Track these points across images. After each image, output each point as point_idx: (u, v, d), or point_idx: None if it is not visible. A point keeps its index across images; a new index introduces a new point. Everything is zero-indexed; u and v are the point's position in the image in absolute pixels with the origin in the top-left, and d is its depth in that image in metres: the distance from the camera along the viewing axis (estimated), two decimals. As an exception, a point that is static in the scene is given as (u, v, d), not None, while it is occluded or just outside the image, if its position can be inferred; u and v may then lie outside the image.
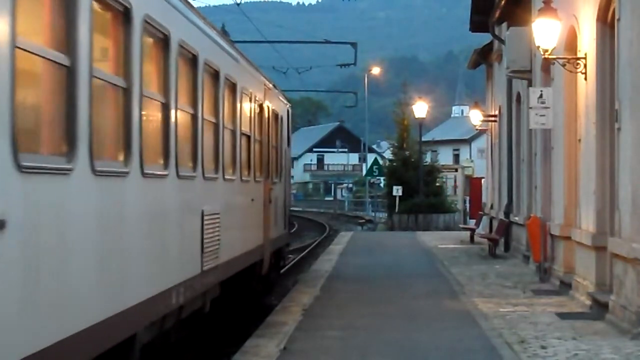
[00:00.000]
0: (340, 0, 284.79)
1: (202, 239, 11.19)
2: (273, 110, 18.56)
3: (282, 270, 23.02)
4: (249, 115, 15.39)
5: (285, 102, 21.46)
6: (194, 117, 10.96)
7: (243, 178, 14.45)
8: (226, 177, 12.89)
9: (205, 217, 11.32)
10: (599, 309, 13.50)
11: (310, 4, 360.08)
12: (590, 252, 14.35)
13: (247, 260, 14.90)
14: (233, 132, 13.73)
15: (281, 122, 20.22)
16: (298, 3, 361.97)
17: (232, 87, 13.73)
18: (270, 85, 18.43)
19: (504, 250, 25.58)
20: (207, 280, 11.55)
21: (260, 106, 16.75)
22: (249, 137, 15.25)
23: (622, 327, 12.05)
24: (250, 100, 15.54)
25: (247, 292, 16.39)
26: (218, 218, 12.06)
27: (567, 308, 14.59)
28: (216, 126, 12.40)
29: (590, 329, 12.44)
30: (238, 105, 14.13)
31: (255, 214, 15.90)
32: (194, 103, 11.01)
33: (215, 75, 12.27)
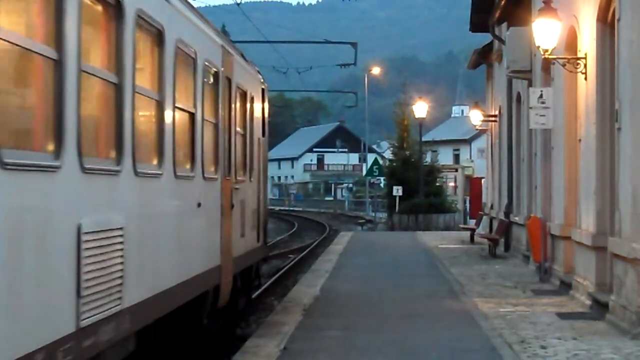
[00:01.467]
0: (340, 0, 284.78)
1: (78, 273, 6.83)
2: (239, 86, 13.92)
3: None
4: (192, 84, 10.72)
5: (260, 79, 16.59)
6: (58, 64, 6.47)
7: (179, 173, 9.80)
8: (140, 170, 8.30)
9: (86, 237, 6.94)
10: (599, 309, 13.50)
11: (310, 4, 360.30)
12: (590, 252, 14.35)
13: (190, 291, 10.45)
14: (159, 104, 9.09)
15: (252, 103, 15.31)
16: (298, 3, 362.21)
17: (157, 36, 9.10)
18: (235, 53, 13.76)
19: (504, 250, 25.58)
20: (95, 339, 7.20)
21: (216, 76, 12.13)
22: (192, 115, 10.65)
23: (622, 327, 12.06)
24: (195, 63, 10.77)
25: (194, 334, 11.75)
26: (120, 236, 7.71)
27: (567, 308, 14.59)
28: (118, 88, 7.76)
29: (590, 329, 12.44)
30: (168, 64, 9.39)
31: (204, 225, 11.30)
32: (55, 39, 6.47)
33: (115, 6, 7.83)
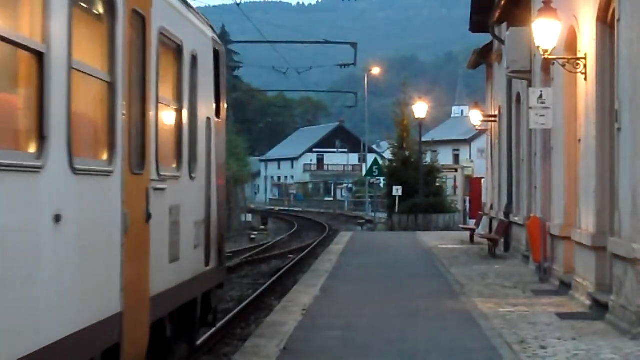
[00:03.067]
0: (340, 0, 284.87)
1: None
2: (166, 33, 9.36)
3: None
4: (41, 8, 6.15)
5: (212, 36, 12.00)
6: None
7: None
8: None
9: None
10: (599, 309, 13.50)
11: (310, 4, 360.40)
12: (590, 252, 14.35)
13: None
14: None
15: (196, 66, 10.81)
16: (298, 3, 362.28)
17: None
18: None
19: (504, 251, 25.58)
20: None
21: (110, 4, 7.58)
22: (39, 55, 6.14)
23: (622, 327, 12.06)
24: None
25: None
26: None
27: (567, 308, 14.59)
28: None
29: (590, 329, 12.45)
30: None
31: (75, 252, 6.72)
32: None
33: None
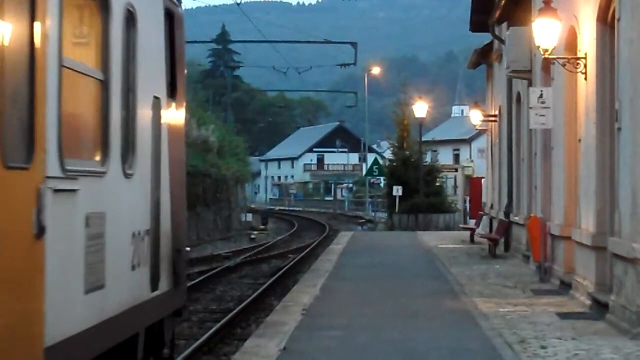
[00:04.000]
0: (340, 0, 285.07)
1: None
2: None
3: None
4: None
5: None
6: None
7: None
8: None
9: None
10: (599, 309, 13.51)
11: (310, 4, 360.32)
12: (590, 252, 14.35)
13: None
14: None
15: (130, 26, 7.98)
16: (298, 3, 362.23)
17: None
18: None
19: (504, 250, 25.58)
20: None
21: None
22: None
23: (622, 327, 12.06)
24: None
25: None
26: None
27: (567, 308, 14.59)
28: None
29: (590, 329, 12.45)
30: None
31: None
32: None
33: None
